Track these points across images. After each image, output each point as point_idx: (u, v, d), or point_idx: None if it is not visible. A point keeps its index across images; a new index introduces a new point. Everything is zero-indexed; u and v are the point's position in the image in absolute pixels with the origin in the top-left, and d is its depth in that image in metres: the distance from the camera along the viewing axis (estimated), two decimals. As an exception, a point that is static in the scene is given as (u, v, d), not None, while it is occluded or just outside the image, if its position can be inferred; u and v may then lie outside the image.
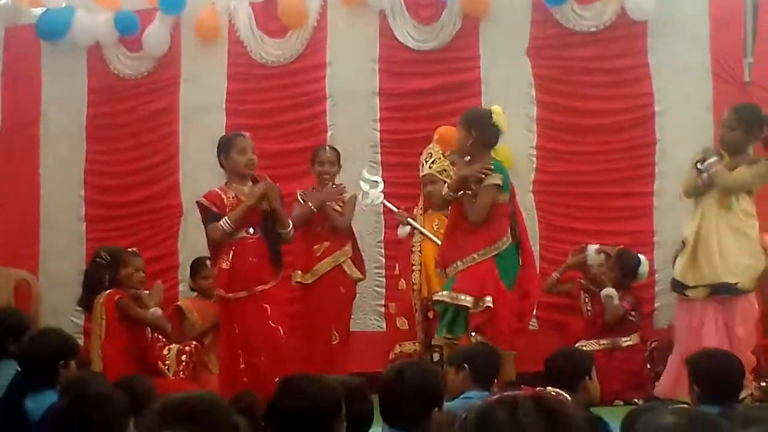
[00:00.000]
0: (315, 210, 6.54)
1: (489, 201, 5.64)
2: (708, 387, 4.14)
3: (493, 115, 5.75)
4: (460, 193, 5.72)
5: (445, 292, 5.63)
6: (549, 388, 2.15)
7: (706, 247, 5.71)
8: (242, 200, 5.93)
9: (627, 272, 6.86)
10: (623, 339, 6.70)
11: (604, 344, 6.67)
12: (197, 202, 6.16)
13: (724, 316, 5.67)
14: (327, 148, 7.00)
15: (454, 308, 5.58)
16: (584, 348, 6.47)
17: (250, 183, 6.03)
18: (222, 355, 6.14)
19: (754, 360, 5.75)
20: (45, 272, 8.39)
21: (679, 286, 5.84)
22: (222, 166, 6.11)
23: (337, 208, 6.76)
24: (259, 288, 5.91)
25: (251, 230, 5.96)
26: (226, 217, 5.87)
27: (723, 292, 5.68)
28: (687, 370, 4.27)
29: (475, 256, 5.62)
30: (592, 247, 7.01)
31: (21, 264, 8.29)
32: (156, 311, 6.44)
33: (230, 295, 5.91)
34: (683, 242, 5.85)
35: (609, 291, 6.81)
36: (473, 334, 5.54)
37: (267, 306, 5.90)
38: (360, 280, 6.92)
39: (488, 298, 5.53)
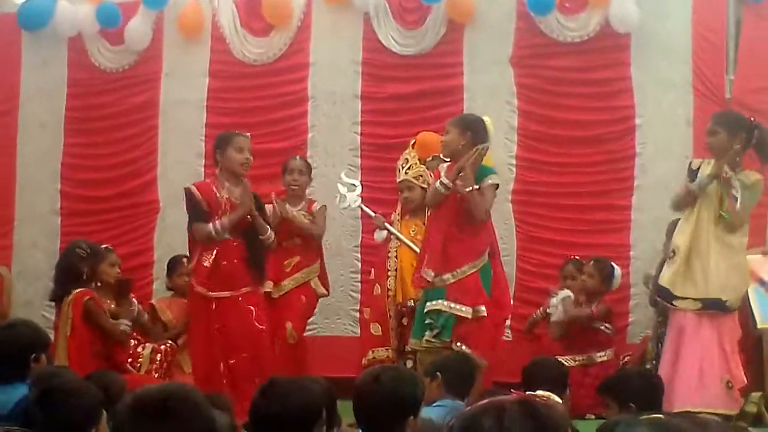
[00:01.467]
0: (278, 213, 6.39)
1: (492, 200, 5.70)
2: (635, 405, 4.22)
3: (486, 124, 5.81)
4: (467, 189, 5.60)
5: (440, 301, 5.58)
6: (539, 392, 2.13)
7: (701, 260, 5.66)
8: (234, 203, 5.85)
9: (605, 277, 6.81)
10: (598, 354, 6.66)
11: (579, 360, 6.63)
12: (186, 188, 6.07)
13: (713, 331, 5.65)
14: (297, 157, 6.94)
15: (446, 316, 5.55)
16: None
17: (241, 186, 5.93)
18: (196, 355, 6.05)
19: (744, 379, 5.73)
20: (18, 265, 8.30)
21: (667, 294, 5.79)
22: (216, 162, 6.03)
23: (304, 220, 6.71)
24: (244, 290, 5.85)
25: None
26: (219, 223, 5.80)
27: (714, 308, 5.66)
28: (608, 393, 4.36)
29: (466, 268, 5.61)
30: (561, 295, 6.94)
31: (-5, 256, 8.21)
32: (122, 323, 6.33)
33: (212, 293, 5.84)
34: (673, 250, 5.80)
35: (565, 292, 6.75)
36: (458, 343, 5.53)
37: (252, 308, 5.84)
38: (324, 296, 6.88)
39: (482, 307, 5.55)
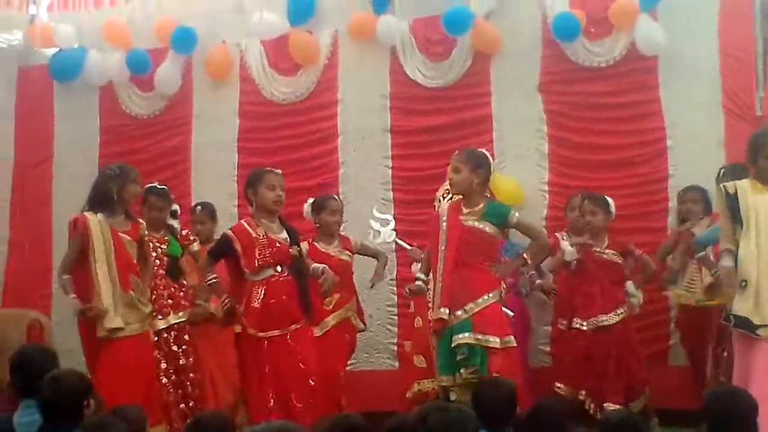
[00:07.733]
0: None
1: (528, 222, 5.91)
2: (721, 424, 4.11)
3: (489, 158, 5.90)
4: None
5: (467, 334, 5.51)
6: None
7: None
8: (272, 239, 5.84)
9: (606, 209, 6.72)
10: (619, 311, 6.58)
11: (621, 313, 6.56)
12: (224, 233, 6.00)
13: None
14: (336, 197, 7.01)
15: (481, 352, 5.48)
16: (604, 323, 6.48)
17: (277, 221, 5.97)
18: (249, 394, 6.00)
19: None
20: (58, 313, 8.29)
21: (749, 324, 5.62)
22: (249, 201, 6.04)
23: (345, 257, 6.75)
24: (293, 327, 5.83)
25: (279, 269, 5.87)
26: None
27: None
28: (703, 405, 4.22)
29: (487, 298, 5.55)
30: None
31: (34, 305, 8.28)
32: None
33: (261, 334, 5.77)
34: (745, 280, 5.61)
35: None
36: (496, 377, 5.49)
37: (298, 346, 5.79)
38: (361, 330, 6.90)
39: (512, 338, 5.49)
